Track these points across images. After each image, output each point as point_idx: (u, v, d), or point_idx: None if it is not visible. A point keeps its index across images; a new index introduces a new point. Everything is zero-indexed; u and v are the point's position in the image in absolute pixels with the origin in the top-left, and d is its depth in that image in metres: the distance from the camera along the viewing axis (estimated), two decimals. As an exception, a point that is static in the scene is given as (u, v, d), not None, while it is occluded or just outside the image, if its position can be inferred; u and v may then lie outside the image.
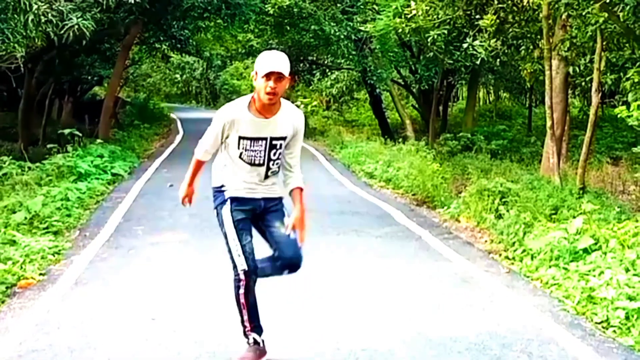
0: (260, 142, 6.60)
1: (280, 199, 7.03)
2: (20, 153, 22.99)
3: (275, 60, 6.38)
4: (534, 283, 10.36)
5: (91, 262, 11.47)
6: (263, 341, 6.98)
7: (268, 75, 6.33)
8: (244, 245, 6.74)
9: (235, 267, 6.75)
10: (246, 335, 6.98)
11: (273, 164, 6.74)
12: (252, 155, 6.63)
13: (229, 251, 6.77)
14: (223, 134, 6.62)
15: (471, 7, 19.77)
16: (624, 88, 15.17)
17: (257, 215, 6.91)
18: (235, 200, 6.82)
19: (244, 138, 6.57)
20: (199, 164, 7.00)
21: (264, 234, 6.96)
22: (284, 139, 6.72)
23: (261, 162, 6.68)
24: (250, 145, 6.59)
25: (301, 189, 6.90)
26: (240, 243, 6.73)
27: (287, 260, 6.85)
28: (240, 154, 6.67)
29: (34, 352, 7.45)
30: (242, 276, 6.74)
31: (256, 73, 6.44)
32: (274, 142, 6.63)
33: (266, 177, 6.80)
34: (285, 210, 7.00)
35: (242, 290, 6.77)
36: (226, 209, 6.82)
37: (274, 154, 6.69)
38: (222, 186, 6.87)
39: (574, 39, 17.77)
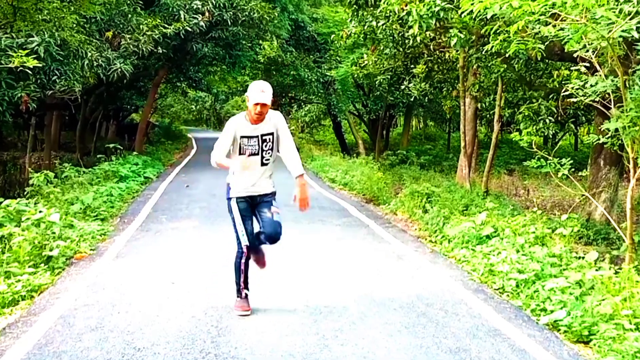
0: (254, 139, 7.00)
1: (272, 193, 7.30)
2: (77, 161, 22.85)
3: (261, 95, 6.82)
4: (450, 260, 10.38)
5: (128, 241, 11.44)
6: (247, 295, 7.34)
7: (256, 104, 6.80)
8: (246, 228, 7.16)
9: (239, 243, 7.17)
10: (239, 292, 7.31)
11: (266, 154, 7.09)
12: (249, 147, 6.99)
13: (235, 231, 7.16)
14: (233, 137, 6.93)
15: (407, 59, 19.80)
16: (517, 119, 15.27)
17: (254, 204, 7.21)
18: (239, 197, 7.17)
19: (243, 137, 6.96)
20: (222, 164, 6.92)
21: (256, 217, 7.22)
22: (271, 134, 7.07)
23: (256, 152, 7.03)
24: (248, 141, 6.98)
25: (301, 176, 7.13)
26: (243, 226, 7.15)
27: (268, 235, 7.12)
28: (241, 150, 6.99)
29: (85, 306, 7.44)
30: (244, 250, 7.17)
31: (248, 98, 6.91)
32: (264, 137, 7.04)
33: (262, 164, 7.11)
34: (274, 201, 7.26)
35: (242, 260, 7.22)
36: (233, 203, 7.17)
37: (266, 146, 7.06)
38: (229, 184, 7.19)
39: (482, 83, 17.84)
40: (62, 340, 6.26)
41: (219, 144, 6.94)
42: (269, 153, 7.11)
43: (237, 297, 7.33)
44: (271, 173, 7.30)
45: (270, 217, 7.12)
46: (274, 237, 7.13)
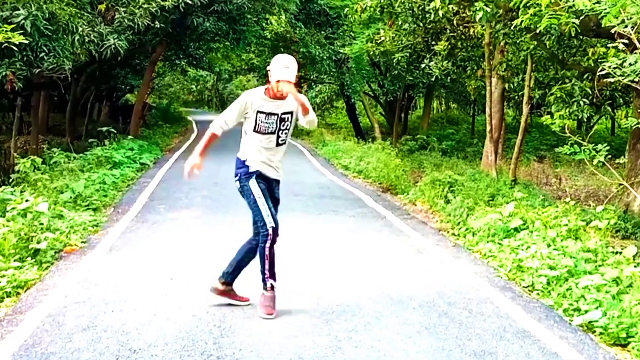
0: (273, 116, 7.02)
1: (278, 181, 7.39)
2: (67, 146, 22.83)
3: (285, 72, 6.87)
4: (474, 255, 10.37)
5: (123, 233, 11.46)
6: (274, 287, 7.21)
7: (278, 81, 6.82)
8: (270, 208, 7.07)
9: (264, 224, 7.01)
10: (264, 282, 7.17)
11: (282, 133, 7.12)
12: (266, 126, 7.00)
13: (259, 213, 7.05)
14: (243, 110, 6.99)
15: (428, 35, 19.73)
16: (548, 101, 15.19)
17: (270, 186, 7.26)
18: (258, 175, 7.14)
19: (260, 112, 6.98)
20: (213, 138, 7.13)
21: None
22: (291, 113, 7.12)
23: (273, 130, 7.05)
24: (265, 118, 7.00)
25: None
26: (267, 206, 7.05)
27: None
28: (256, 126, 7.03)
29: (76, 303, 7.45)
30: (270, 232, 7.00)
31: (270, 73, 6.93)
32: (283, 116, 7.08)
33: (277, 144, 7.14)
34: (277, 190, 7.39)
35: (268, 244, 7.04)
36: (253, 182, 7.10)
37: (283, 125, 7.10)
38: (246, 160, 7.15)
39: (510, 61, 17.77)
40: (51, 341, 6.26)
41: (222, 114, 7.08)
42: (285, 133, 7.15)
43: (263, 289, 7.21)
44: (282, 155, 7.32)
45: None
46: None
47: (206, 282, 7.94)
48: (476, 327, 6.89)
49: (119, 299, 7.63)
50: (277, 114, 7.01)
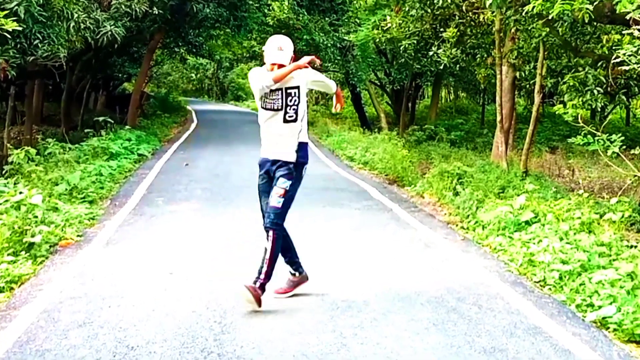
0: (277, 92, 7.09)
1: (291, 163, 7.27)
2: (62, 136, 22.92)
3: (278, 55, 7.05)
4: (484, 249, 10.37)
5: (120, 226, 11.48)
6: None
7: (273, 64, 7.00)
8: (262, 206, 7.43)
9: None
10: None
11: (290, 109, 7.15)
12: (271, 102, 7.11)
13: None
14: (260, 83, 7.03)
15: (436, 22, 19.70)
16: (561, 90, 15.16)
17: (270, 178, 7.31)
18: (259, 165, 7.41)
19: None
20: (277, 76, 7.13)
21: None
22: (297, 88, 7.15)
23: (279, 107, 7.13)
24: (270, 95, 7.09)
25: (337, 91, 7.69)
26: (260, 203, 7.44)
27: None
28: (263, 103, 7.18)
29: (72, 299, 7.47)
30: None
31: (265, 55, 7.13)
32: (289, 91, 7.14)
33: (285, 120, 7.16)
34: (285, 177, 7.22)
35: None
36: (258, 176, 7.45)
37: (290, 100, 7.15)
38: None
39: (521, 49, 17.74)
40: (46, 337, 6.28)
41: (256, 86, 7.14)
42: (293, 109, 7.16)
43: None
44: (297, 133, 7.28)
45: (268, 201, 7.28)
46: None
47: (207, 276, 7.97)
48: (486, 323, 6.89)
49: (116, 294, 7.65)
50: (282, 89, 7.07)
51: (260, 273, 7.12)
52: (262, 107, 7.18)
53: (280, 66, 6.97)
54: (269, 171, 7.30)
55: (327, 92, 7.60)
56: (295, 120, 7.20)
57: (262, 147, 7.38)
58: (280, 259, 7.42)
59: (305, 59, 7.06)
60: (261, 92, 7.09)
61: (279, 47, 6.98)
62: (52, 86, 36.55)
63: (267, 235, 7.13)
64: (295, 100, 7.12)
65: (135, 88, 33.25)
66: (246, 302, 7.05)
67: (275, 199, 7.11)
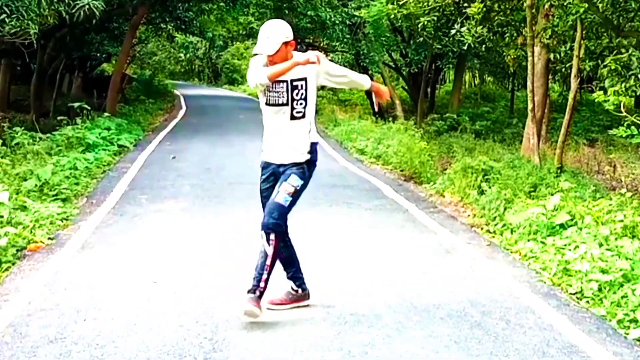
0: (281, 84, 7.00)
1: (300, 163, 7.25)
2: (32, 124, 22.92)
3: (264, 44, 6.94)
4: (513, 255, 10.37)
5: (97, 227, 11.49)
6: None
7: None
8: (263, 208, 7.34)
9: None
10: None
11: (297, 104, 7.09)
12: (275, 96, 7.04)
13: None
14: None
15: (459, -4, 19.75)
16: (601, 74, 15.15)
17: (276, 178, 7.28)
18: (262, 168, 7.41)
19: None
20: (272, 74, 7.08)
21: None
22: (304, 79, 7.06)
23: (285, 101, 7.06)
24: (273, 87, 7.00)
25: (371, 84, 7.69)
26: (262, 208, 7.32)
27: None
28: (266, 97, 7.13)
29: (42, 311, 7.46)
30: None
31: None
32: (295, 83, 7.03)
33: (292, 117, 7.11)
34: (296, 175, 7.19)
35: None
36: (260, 180, 7.44)
37: (297, 94, 7.06)
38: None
39: (556, 27, 17.73)
40: (12, 355, 6.28)
41: (252, 78, 7.10)
42: (301, 104, 7.10)
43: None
44: (307, 131, 7.24)
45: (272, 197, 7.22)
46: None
47: (196, 286, 7.97)
48: (514, 341, 6.89)
49: (92, 306, 7.63)
50: (287, 81, 6.99)
51: (259, 281, 7.08)
52: (266, 103, 7.12)
53: (270, 60, 6.92)
54: (275, 173, 7.29)
55: (357, 88, 7.59)
56: (303, 117, 7.16)
57: (265, 149, 7.33)
58: (279, 267, 7.42)
59: (309, 55, 6.94)
60: (258, 89, 7.09)
61: (266, 36, 6.88)
62: (21, 67, 36.63)
63: (268, 238, 7.05)
64: (302, 94, 7.06)
65: (115, 69, 33.33)
66: (248, 318, 7.04)
67: (283, 196, 7.06)
